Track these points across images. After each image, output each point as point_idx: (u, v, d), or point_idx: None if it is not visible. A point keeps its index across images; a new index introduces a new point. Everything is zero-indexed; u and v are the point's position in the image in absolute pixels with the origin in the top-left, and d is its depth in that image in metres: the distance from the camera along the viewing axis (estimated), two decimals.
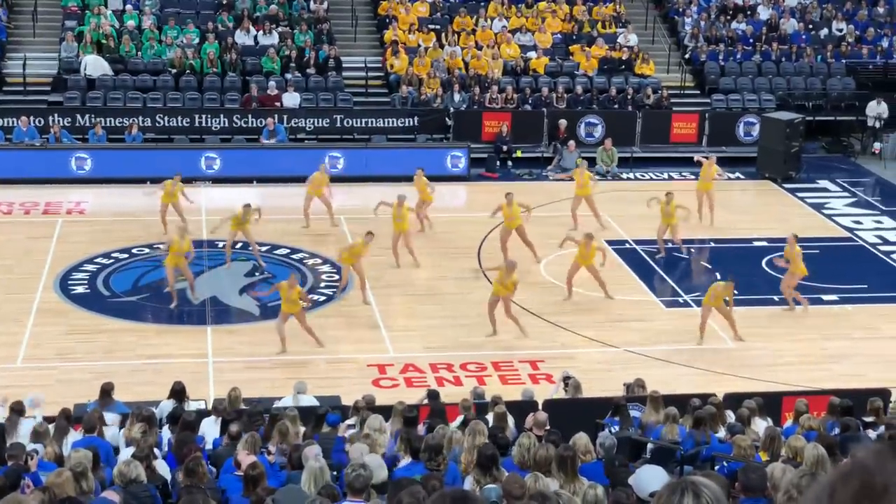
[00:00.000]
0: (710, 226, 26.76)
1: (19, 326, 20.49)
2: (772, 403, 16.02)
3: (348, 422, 13.95)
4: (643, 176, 31.54)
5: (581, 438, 11.65)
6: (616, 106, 33.87)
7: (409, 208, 23.77)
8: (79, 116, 30.80)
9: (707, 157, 27.77)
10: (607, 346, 20.51)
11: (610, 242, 25.50)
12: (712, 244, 25.80)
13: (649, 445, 13.27)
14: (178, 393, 15.49)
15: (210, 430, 14.02)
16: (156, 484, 10.91)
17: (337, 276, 23.16)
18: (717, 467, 11.75)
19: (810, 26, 38.19)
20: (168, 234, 23.62)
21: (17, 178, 28.41)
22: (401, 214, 23.47)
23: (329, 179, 26.14)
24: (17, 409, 13.68)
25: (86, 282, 22.72)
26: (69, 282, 22.65)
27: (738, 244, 25.94)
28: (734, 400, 15.70)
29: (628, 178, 31.37)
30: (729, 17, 37.94)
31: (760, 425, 14.19)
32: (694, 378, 19.19)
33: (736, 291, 22.56)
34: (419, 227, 25.20)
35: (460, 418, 14.10)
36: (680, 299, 22.76)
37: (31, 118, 30.07)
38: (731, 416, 14.59)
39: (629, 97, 33.87)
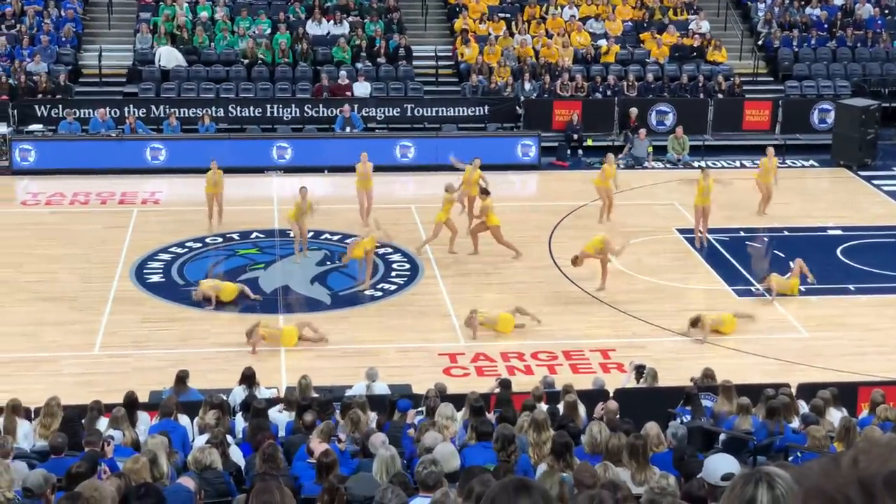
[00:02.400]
0: (762, 215, 26.44)
1: (96, 314, 20.79)
2: (847, 393, 15.81)
3: (417, 409, 14.00)
4: (715, 164, 31.22)
5: (653, 428, 11.59)
6: (687, 94, 33.60)
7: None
8: (153, 107, 31.18)
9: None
10: (679, 336, 20.38)
11: (681, 231, 25.34)
12: (785, 232, 25.50)
13: (721, 435, 13.18)
14: (249, 378, 15.65)
15: (279, 419, 14.12)
16: (229, 471, 11.03)
17: (408, 265, 23.25)
18: (791, 458, 11.64)
19: (886, 11, 37.59)
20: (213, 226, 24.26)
21: (93, 168, 28.84)
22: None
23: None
24: (97, 408, 13.83)
25: (161, 271, 23.00)
26: (145, 271, 22.94)
27: (812, 232, 25.63)
28: (808, 390, 15.53)
29: (700, 167, 31.04)
30: (803, 3, 37.44)
31: (835, 416, 14.02)
32: (767, 367, 19.01)
33: (810, 280, 22.37)
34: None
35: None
36: (752, 288, 22.53)
37: (107, 109, 30.47)
38: (804, 407, 14.43)
39: (701, 85, 33.58)
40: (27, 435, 13.40)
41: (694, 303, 21.26)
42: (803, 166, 31.43)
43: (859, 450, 2.39)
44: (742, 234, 25.49)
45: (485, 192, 23.62)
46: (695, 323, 20.13)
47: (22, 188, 28.27)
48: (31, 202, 27.29)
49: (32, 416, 14.05)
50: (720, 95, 33.33)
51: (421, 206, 25.92)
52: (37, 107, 30.72)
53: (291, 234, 23.97)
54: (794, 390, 15.51)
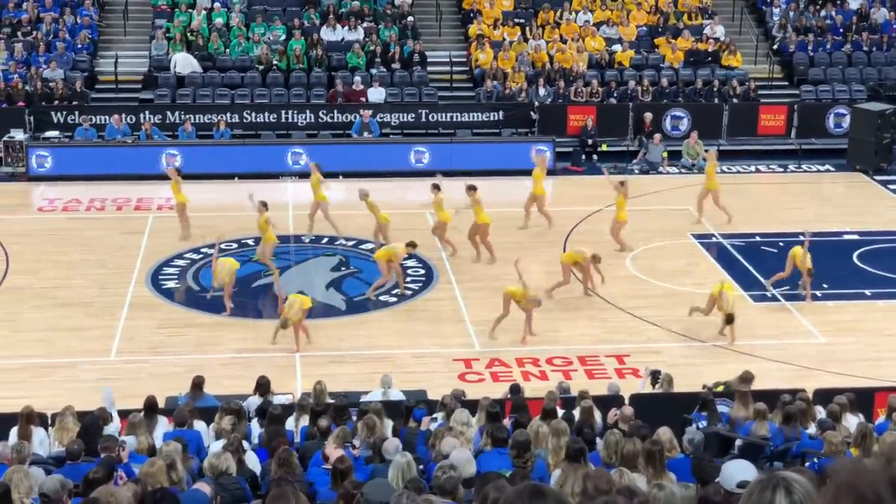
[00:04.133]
0: (727, 223, 25.98)
1: (113, 320, 20.85)
2: (863, 399, 15.74)
3: (433, 416, 13.98)
4: (730, 169, 31.16)
5: (665, 433, 11.54)
6: (702, 98, 33.56)
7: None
8: (169, 113, 31.28)
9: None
10: (694, 341, 20.34)
11: (697, 236, 25.31)
12: (801, 237, 25.41)
13: (738, 441, 13.13)
14: (263, 387, 15.65)
15: (295, 425, 14.12)
16: (245, 476, 11.03)
17: (423, 271, 23.27)
18: (807, 464, 11.60)
19: None
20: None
21: (109, 174, 28.95)
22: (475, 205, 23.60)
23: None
24: (104, 417, 13.82)
25: (176, 276, 23.04)
26: (160, 276, 22.99)
27: (828, 237, 25.55)
28: (824, 395, 15.47)
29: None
30: (818, 7, 37.38)
31: (852, 421, 13.97)
32: (783, 373, 18.95)
33: (825, 285, 22.33)
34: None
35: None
36: (768, 293, 22.47)
37: (123, 116, 30.58)
38: (821, 412, 14.37)
39: (716, 89, 33.53)
40: (42, 442, 13.42)
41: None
42: (819, 171, 31.36)
43: (893, 451, 2.41)
44: (758, 238, 25.41)
45: (472, 189, 23.61)
46: (730, 320, 20.03)
47: (38, 194, 28.38)
48: (48, 208, 27.39)
49: (49, 422, 14.07)
50: (735, 100, 33.29)
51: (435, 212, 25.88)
52: (53, 113, 30.86)
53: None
54: (810, 395, 15.45)
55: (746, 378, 16.01)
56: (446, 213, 23.50)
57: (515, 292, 19.97)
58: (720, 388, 16.15)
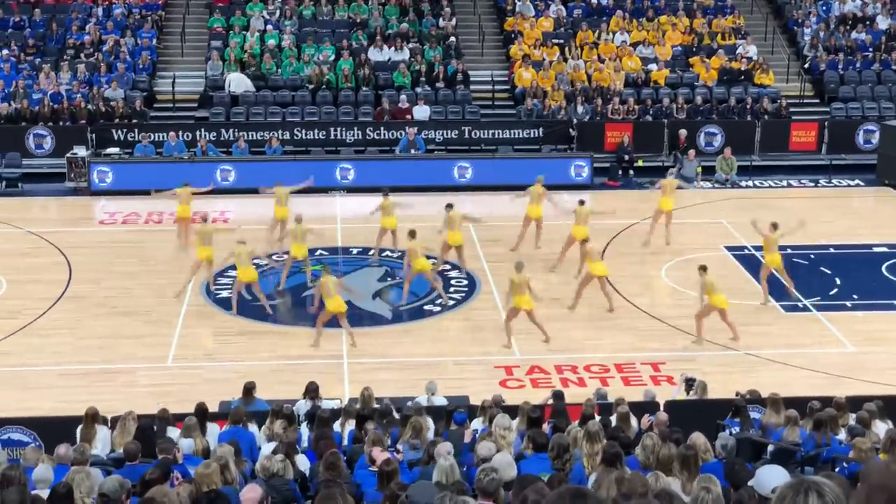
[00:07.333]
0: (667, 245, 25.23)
1: (170, 328, 20.97)
2: (892, 406, 15.57)
3: (474, 423, 13.95)
4: (762, 184, 31.00)
5: (699, 438, 11.47)
6: (735, 116, 33.38)
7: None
8: (223, 131, 31.48)
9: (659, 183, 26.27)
10: (728, 350, 20.20)
11: (730, 248, 25.16)
12: (832, 250, 25.21)
13: (770, 447, 13.02)
14: (312, 392, 15.69)
15: (344, 429, 14.13)
16: (295, 478, 11.04)
17: (465, 282, 23.25)
18: (837, 469, 11.48)
19: None
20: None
21: (167, 189, 29.08)
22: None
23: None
24: (164, 418, 13.88)
25: (230, 286, 23.12)
26: (215, 286, 23.10)
27: (857, 250, 25.33)
28: (854, 403, 15.31)
29: (747, 186, 30.86)
30: (848, 28, 37.09)
31: (881, 428, 13.81)
32: (814, 381, 18.78)
33: (855, 296, 22.08)
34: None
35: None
36: (799, 304, 22.30)
37: (180, 133, 30.84)
38: (851, 419, 14.22)
39: (748, 107, 33.36)
40: (104, 440, 13.49)
41: (741, 319, 21.03)
42: (849, 185, 31.11)
43: None
44: (789, 251, 25.22)
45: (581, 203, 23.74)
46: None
47: (100, 208, 28.64)
48: (108, 221, 27.62)
49: (109, 424, 14.17)
50: (767, 117, 33.09)
51: (478, 225, 25.86)
52: (114, 131, 31.15)
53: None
54: (843, 401, 15.27)
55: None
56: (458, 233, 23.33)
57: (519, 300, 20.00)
58: None
